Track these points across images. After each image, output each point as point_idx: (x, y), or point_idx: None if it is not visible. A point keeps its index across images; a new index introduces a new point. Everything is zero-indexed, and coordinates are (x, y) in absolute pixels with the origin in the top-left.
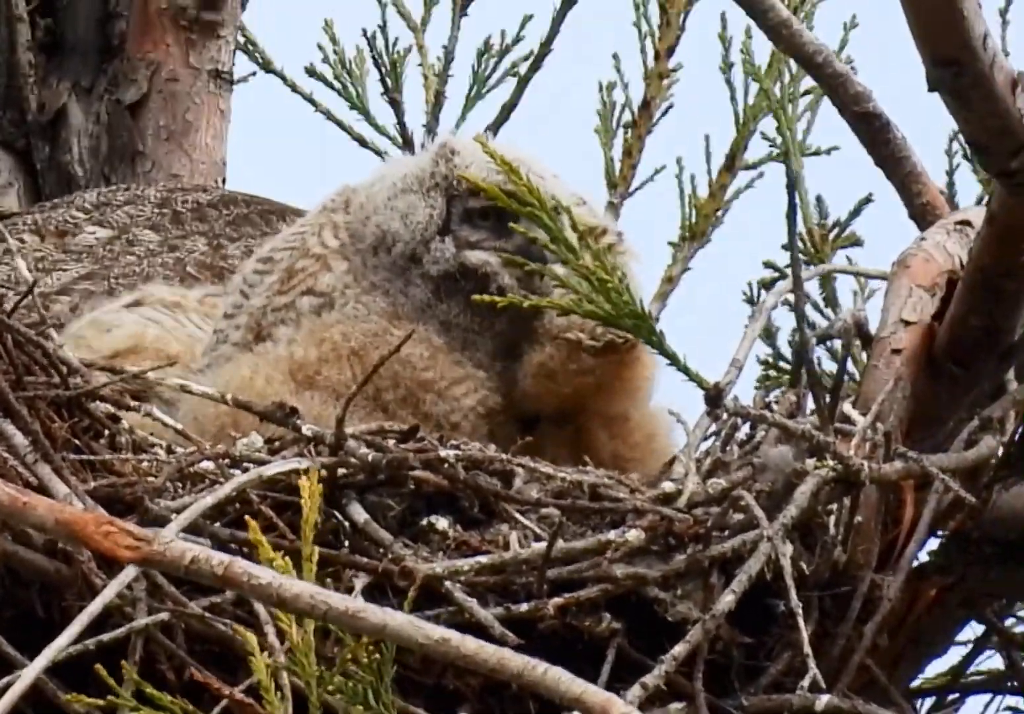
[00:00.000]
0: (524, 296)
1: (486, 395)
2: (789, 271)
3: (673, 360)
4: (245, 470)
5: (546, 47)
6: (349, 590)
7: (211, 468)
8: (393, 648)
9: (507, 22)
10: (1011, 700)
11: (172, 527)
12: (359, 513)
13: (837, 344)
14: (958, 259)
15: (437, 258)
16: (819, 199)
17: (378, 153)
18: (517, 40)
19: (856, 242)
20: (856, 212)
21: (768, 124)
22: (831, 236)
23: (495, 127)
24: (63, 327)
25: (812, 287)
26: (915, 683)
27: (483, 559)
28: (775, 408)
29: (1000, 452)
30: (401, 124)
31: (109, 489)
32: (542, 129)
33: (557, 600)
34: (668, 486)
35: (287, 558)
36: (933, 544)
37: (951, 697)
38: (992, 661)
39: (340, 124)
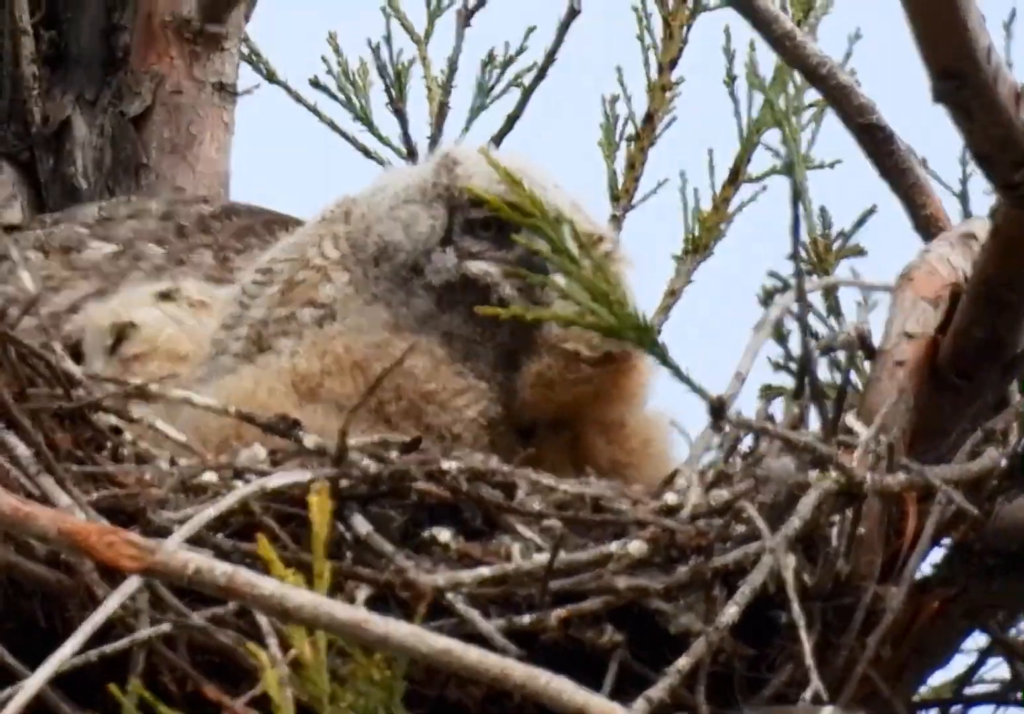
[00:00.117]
0: (527, 308)
1: (488, 406)
2: (793, 282)
3: (676, 372)
4: (248, 482)
5: (550, 58)
6: (351, 602)
7: (214, 480)
8: (404, 664)
9: (511, 34)
10: (1015, 711)
11: (175, 538)
12: (362, 525)
13: (840, 355)
14: (962, 271)
15: (439, 268)
16: (823, 210)
17: (382, 164)
18: (521, 51)
19: (860, 253)
20: (860, 223)
21: (772, 137)
22: (835, 247)
23: (499, 138)
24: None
25: (816, 297)
26: (918, 695)
27: (485, 571)
28: (778, 420)
29: (1003, 464)
30: (405, 135)
31: (112, 500)
32: (545, 140)
33: (559, 612)
34: (671, 498)
35: (295, 573)
36: (936, 556)
37: (954, 709)
38: (996, 672)
39: (344, 135)
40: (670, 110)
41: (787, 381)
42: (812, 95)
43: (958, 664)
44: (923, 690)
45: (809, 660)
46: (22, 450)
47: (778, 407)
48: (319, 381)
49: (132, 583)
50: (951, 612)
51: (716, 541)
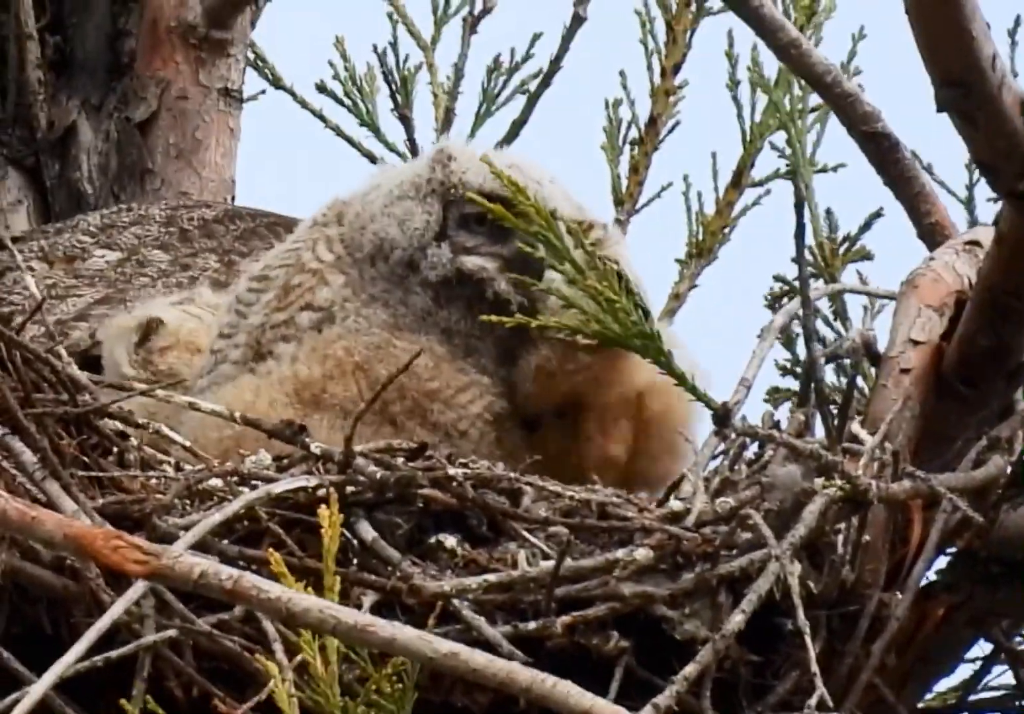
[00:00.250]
0: (531, 315)
1: (492, 401)
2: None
3: (681, 380)
4: (253, 487)
5: (555, 65)
6: (357, 608)
7: (219, 485)
8: (415, 675)
9: (517, 40)
10: None
11: (180, 544)
12: (367, 531)
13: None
14: (967, 279)
15: (434, 264)
16: (829, 212)
17: None
18: (527, 58)
19: (866, 256)
20: (866, 226)
21: (776, 140)
22: (841, 250)
23: (504, 144)
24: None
25: (821, 302)
26: (923, 702)
27: (491, 577)
28: (783, 427)
29: (1008, 472)
30: (411, 141)
31: (117, 506)
32: (550, 146)
33: (565, 618)
34: (676, 505)
35: (301, 581)
36: (941, 563)
37: None
38: (1000, 680)
39: (350, 141)
40: (674, 114)
41: (793, 384)
42: (816, 98)
43: (963, 672)
44: (927, 697)
45: (814, 667)
46: (28, 455)
47: (784, 412)
48: (322, 386)
49: (138, 588)
50: (956, 620)
51: (722, 548)
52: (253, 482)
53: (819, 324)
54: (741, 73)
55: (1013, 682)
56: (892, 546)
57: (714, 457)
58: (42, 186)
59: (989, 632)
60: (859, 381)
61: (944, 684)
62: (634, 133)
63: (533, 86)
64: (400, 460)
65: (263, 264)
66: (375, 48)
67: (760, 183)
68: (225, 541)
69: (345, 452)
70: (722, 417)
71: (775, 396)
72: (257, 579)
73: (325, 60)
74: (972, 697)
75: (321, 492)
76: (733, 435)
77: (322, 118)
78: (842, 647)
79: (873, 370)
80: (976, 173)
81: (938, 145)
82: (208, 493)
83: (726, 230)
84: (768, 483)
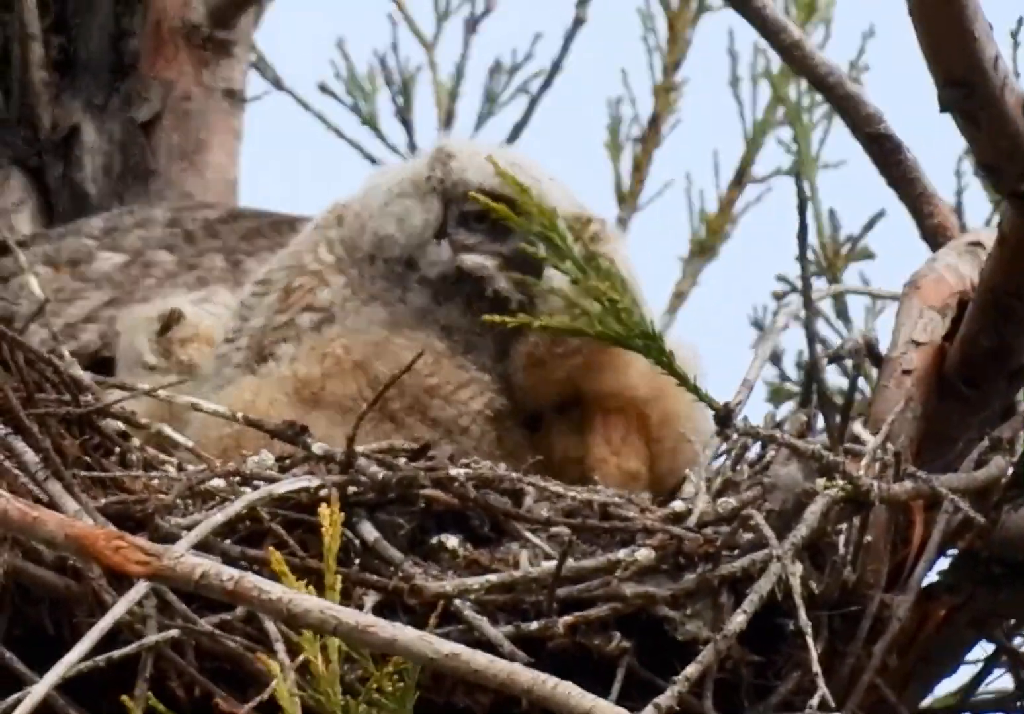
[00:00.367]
0: (533, 316)
1: (492, 397)
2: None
3: (683, 380)
4: (256, 488)
5: (556, 67)
6: (359, 608)
7: (222, 486)
8: (416, 675)
9: (518, 41)
10: None
11: (182, 544)
12: (369, 531)
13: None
14: (969, 280)
15: (433, 262)
16: (832, 212)
17: None
18: (527, 58)
19: (868, 256)
20: (869, 226)
21: (780, 137)
22: (844, 250)
23: (507, 145)
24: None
25: (824, 301)
26: (924, 703)
27: (493, 578)
28: (785, 428)
29: (1010, 472)
30: (412, 142)
31: (119, 506)
32: (552, 146)
33: (567, 619)
34: (678, 505)
35: (302, 580)
36: (943, 564)
37: None
38: (1001, 681)
39: (352, 142)
40: (675, 112)
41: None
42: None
43: (964, 673)
44: (929, 698)
45: (816, 668)
46: (30, 456)
47: (784, 411)
48: (321, 385)
49: (140, 588)
50: (957, 621)
51: (723, 549)
52: (255, 482)
53: (821, 324)
54: (742, 70)
55: (1013, 684)
56: (894, 547)
57: (716, 457)
58: (45, 187)
59: (991, 633)
60: (861, 382)
61: (945, 686)
62: (636, 131)
63: (534, 87)
64: (402, 460)
65: (266, 268)
66: (376, 53)
67: (762, 180)
68: (227, 541)
69: (347, 452)
70: (724, 418)
71: (777, 396)
72: (258, 580)
73: (326, 60)
74: (973, 698)
75: (323, 492)
76: (735, 435)
77: (323, 119)
78: (844, 648)
79: (875, 371)
80: (964, 179)
81: (927, 152)
82: (210, 493)
83: (728, 228)
84: (770, 483)
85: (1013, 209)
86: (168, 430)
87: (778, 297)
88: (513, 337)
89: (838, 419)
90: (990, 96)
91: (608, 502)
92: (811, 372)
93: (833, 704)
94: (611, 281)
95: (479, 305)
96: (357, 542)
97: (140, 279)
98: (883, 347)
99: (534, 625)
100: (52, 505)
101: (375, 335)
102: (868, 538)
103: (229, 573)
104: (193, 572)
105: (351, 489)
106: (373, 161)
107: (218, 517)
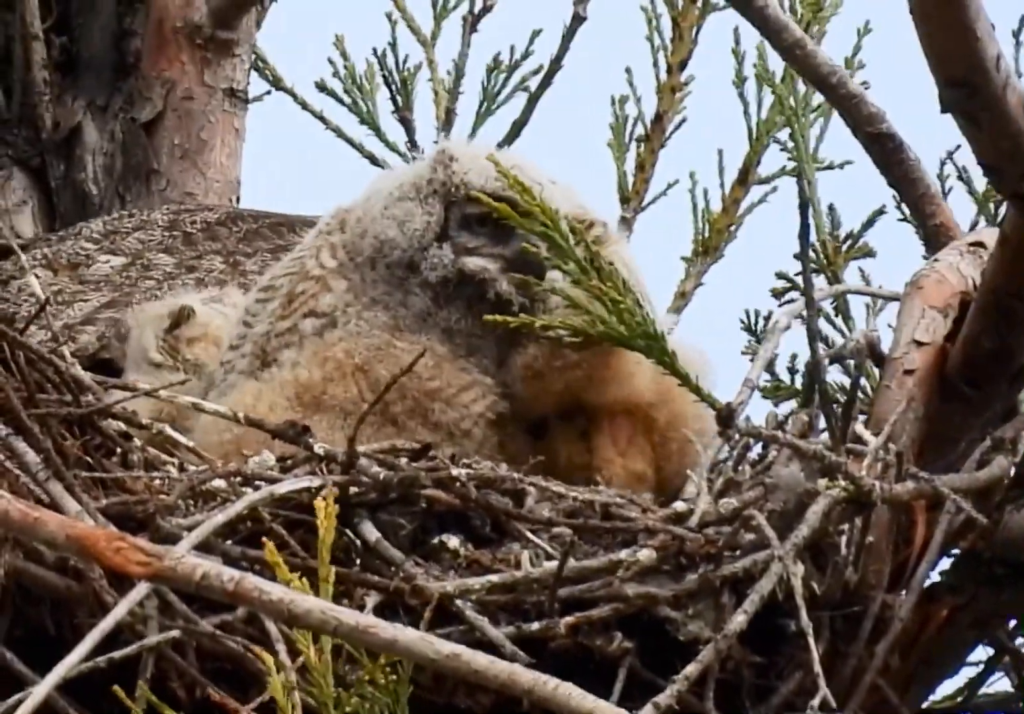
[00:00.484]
0: (532, 315)
1: (495, 401)
2: (801, 286)
3: (685, 381)
4: (257, 488)
5: (555, 64)
6: (361, 608)
7: (223, 486)
8: (410, 668)
9: (517, 38)
10: None
11: (183, 545)
12: (371, 532)
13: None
14: (971, 280)
15: (435, 264)
16: (831, 208)
17: None
18: (526, 55)
19: (868, 253)
20: (869, 223)
21: (782, 137)
22: (844, 248)
23: (506, 143)
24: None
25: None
26: (925, 704)
27: (494, 578)
28: (787, 428)
29: (1012, 473)
30: (412, 141)
31: (120, 507)
32: (553, 145)
33: (568, 619)
34: (680, 505)
35: (302, 578)
36: (945, 564)
37: None
38: (1003, 682)
39: (351, 142)
40: (680, 111)
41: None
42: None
43: (966, 674)
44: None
45: (817, 668)
46: (31, 456)
47: (783, 411)
48: (322, 389)
49: (141, 589)
50: (959, 621)
51: (725, 549)
52: (256, 483)
53: (821, 323)
54: (747, 70)
55: (1014, 685)
56: (896, 547)
57: (725, 460)
58: (47, 187)
59: (992, 634)
60: (863, 382)
61: (947, 686)
62: (640, 130)
63: (534, 84)
64: (403, 460)
65: (270, 275)
66: (375, 51)
67: (766, 180)
68: (228, 542)
69: (348, 453)
70: (725, 418)
71: (775, 395)
72: (259, 581)
73: (325, 59)
74: (975, 699)
75: (325, 493)
76: (737, 436)
77: (322, 119)
78: (845, 648)
79: (877, 371)
80: (948, 182)
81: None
82: (211, 494)
83: (732, 228)
84: (771, 484)
85: (1015, 209)
86: (169, 430)
87: (777, 295)
88: (513, 347)
89: (840, 419)
90: (992, 96)
91: (610, 502)
92: (813, 372)
93: (835, 705)
94: (613, 282)
95: (481, 308)
96: (358, 542)
97: (139, 281)
98: (884, 347)
99: (535, 625)
100: (53, 506)
101: (377, 339)
102: (870, 538)
103: (230, 574)
104: (194, 573)
105: (352, 489)
106: (372, 160)
107: (219, 518)
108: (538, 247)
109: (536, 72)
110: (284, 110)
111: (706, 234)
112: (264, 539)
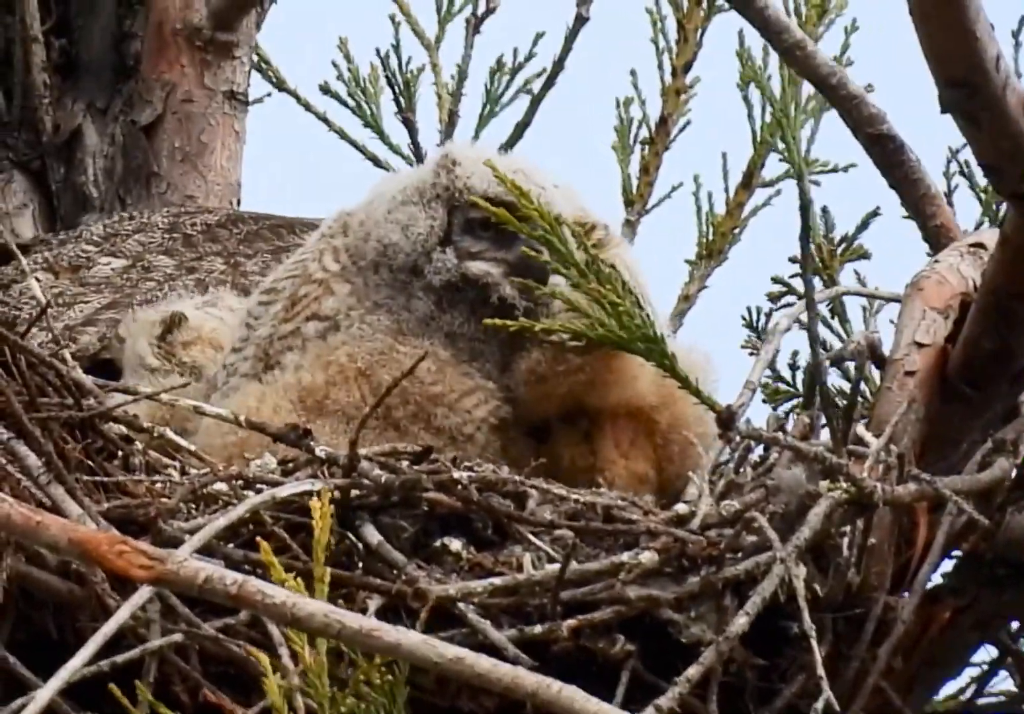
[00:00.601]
0: (535, 319)
1: (497, 405)
2: (799, 288)
3: (685, 383)
4: (258, 491)
5: (558, 66)
6: (363, 611)
7: (224, 489)
8: (406, 669)
9: (520, 40)
10: None
11: (185, 548)
12: (372, 535)
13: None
14: (972, 281)
15: (439, 268)
16: (824, 210)
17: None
18: (529, 58)
19: (864, 255)
20: (864, 225)
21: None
22: (839, 250)
23: (509, 145)
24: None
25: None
26: (928, 705)
27: (496, 581)
28: (788, 430)
29: (1013, 474)
30: (415, 143)
31: (122, 510)
32: (556, 147)
33: (571, 622)
34: (681, 508)
35: (299, 579)
36: (947, 566)
37: None
38: (1005, 683)
39: (354, 144)
40: (684, 114)
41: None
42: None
43: (968, 676)
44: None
45: (820, 670)
46: (32, 460)
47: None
48: (325, 393)
49: (143, 593)
50: (962, 623)
51: (727, 551)
52: (258, 486)
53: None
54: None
55: (1017, 686)
56: (898, 549)
57: (727, 461)
58: (47, 189)
59: (995, 635)
60: (863, 384)
61: (949, 688)
62: (645, 133)
63: (537, 86)
64: (405, 463)
65: (272, 277)
66: (378, 52)
67: (770, 183)
68: (230, 545)
69: (350, 456)
70: (726, 420)
71: (775, 397)
72: (262, 584)
73: (328, 61)
74: (977, 700)
75: (319, 490)
76: (738, 438)
77: (326, 121)
78: (848, 650)
79: (878, 373)
80: (955, 179)
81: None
82: (213, 497)
83: (736, 231)
84: (773, 486)
85: (1015, 210)
86: (170, 433)
87: (773, 299)
88: (516, 352)
89: (841, 421)
90: (992, 97)
91: (611, 505)
92: (814, 374)
93: (838, 707)
94: (613, 285)
95: (484, 312)
96: (360, 545)
97: (140, 283)
98: (885, 349)
99: (538, 628)
100: (55, 510)
101: (379, 343)
102: (872, 540)
103: (232, 577)
104: (196, 576)
105: (354, 492)
106: (375, 162)
107: (221, 521)
108: (540, 251)
109: (539, 74)
110: (286, 112)
111: (710, 237)
112: (258, 538)
